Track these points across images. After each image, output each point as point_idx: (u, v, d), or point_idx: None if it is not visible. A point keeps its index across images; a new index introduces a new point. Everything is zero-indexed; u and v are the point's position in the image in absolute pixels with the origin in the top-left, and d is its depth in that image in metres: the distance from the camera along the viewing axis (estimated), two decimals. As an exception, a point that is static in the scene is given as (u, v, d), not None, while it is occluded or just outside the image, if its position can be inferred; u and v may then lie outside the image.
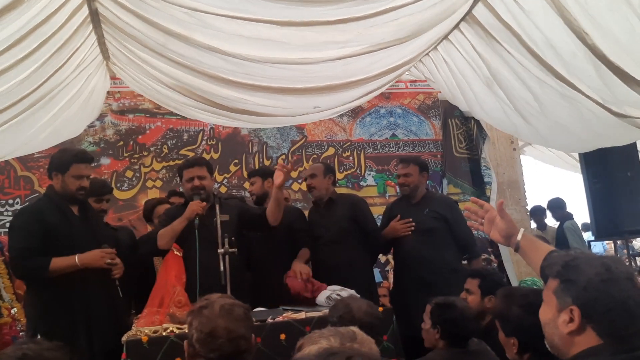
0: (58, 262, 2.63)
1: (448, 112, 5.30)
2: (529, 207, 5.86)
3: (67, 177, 2.77)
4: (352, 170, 5.39)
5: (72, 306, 2.68)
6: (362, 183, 5.43)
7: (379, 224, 3.80)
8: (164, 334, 2.46)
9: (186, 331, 2.29)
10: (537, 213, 6.30)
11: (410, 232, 3.52)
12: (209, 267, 2.92)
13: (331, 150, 5.40)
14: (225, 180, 5.20)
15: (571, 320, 1.27)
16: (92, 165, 3.04)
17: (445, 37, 3.59)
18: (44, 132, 3.72)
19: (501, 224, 1.75)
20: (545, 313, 1.36)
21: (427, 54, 3.90)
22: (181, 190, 3.77)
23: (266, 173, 3.85)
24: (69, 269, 2.65)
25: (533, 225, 6.25)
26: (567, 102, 3.21)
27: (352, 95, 4.04)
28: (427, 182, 3.98)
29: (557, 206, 6.01)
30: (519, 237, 1.72)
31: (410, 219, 3.53)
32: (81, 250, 2.70)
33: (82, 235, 2.78)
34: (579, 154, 4.82)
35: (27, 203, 4.61)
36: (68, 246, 2.69)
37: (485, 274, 2.90)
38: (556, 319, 1.30)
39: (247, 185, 4.06)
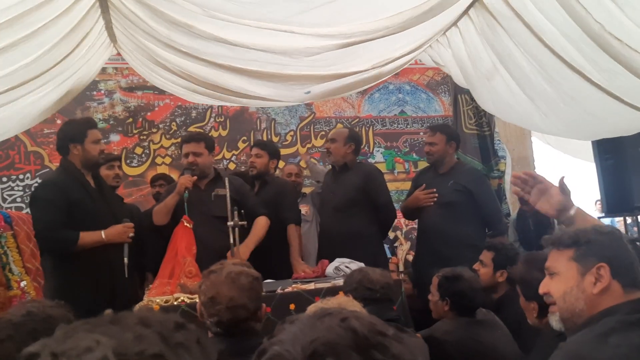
0: (86, 237, 2.64)
1: (458, 88, 5.22)
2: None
3: (87, 145, 2.77)
4: (361, 146, 5.36)
5: (95, 278, 2.68)
6: (370, 159, 5.42)
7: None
8: (175, 303, 2.49)
9: (197, 300, 2.35)
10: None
11: (432, 203, 3.43)
12: (205, 242, 2.95)
13: (339, 127, 5.36)
14: (234, 157, 5.22)
15: (597, 280, 1.32)
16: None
17: (454, 24, 3.50)
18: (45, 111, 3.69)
19: (559, 197, 1.73)
20: (563, 283, 1.38)
21: (437, 39, 3.81)
22: None
23: (275, 153, 3.80)
24: (94, 244, 2.67)
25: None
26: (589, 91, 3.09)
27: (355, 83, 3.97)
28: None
29: None
30: (572, 212, 1.71)
31: (435, 190, 3.44)
32: (102, 224, 2.71)
33: (102, 210, 2.80)
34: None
35: (37, 178, 4.65)
36: (90, 220, 2.70)
37: (500, 248, 2.86)
38: (581, 284, 1.34)
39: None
